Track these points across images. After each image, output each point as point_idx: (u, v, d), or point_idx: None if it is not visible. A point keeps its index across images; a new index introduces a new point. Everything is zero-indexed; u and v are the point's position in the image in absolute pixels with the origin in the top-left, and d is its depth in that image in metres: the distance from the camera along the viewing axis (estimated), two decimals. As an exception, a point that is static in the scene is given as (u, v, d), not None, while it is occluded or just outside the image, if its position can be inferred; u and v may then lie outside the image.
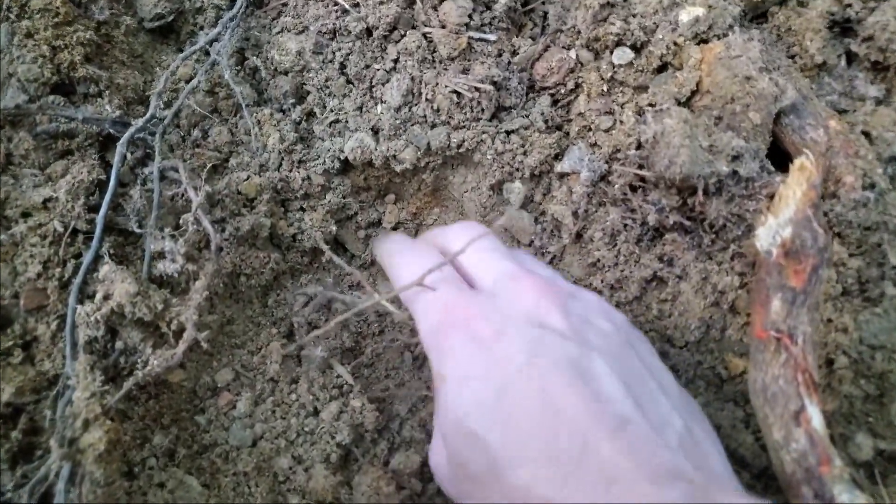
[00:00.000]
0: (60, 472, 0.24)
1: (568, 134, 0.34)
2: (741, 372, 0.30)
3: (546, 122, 0.34)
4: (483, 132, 0.33)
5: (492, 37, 0.33)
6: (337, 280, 0.35)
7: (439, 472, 0.26)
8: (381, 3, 0.33)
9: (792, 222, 0.25)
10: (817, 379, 0.24)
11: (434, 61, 0.33)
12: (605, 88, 0.33)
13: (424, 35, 0.33)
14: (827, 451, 0.23)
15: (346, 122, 0.34)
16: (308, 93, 0.34)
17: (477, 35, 0.33)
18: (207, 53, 0.33)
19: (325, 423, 0.30)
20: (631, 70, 0.33)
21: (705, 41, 0.32)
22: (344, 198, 0.34)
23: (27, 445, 0.26)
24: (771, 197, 0.28)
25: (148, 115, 0.30)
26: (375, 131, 0.34)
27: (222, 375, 0.30)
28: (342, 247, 0.36)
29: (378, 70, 0.34)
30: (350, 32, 0.34)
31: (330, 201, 0.34)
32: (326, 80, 0.34)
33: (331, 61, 0.34)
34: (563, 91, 0.34)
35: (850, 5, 0.34)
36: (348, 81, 0.34)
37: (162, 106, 0.31)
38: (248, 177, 0.32)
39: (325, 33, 0.34)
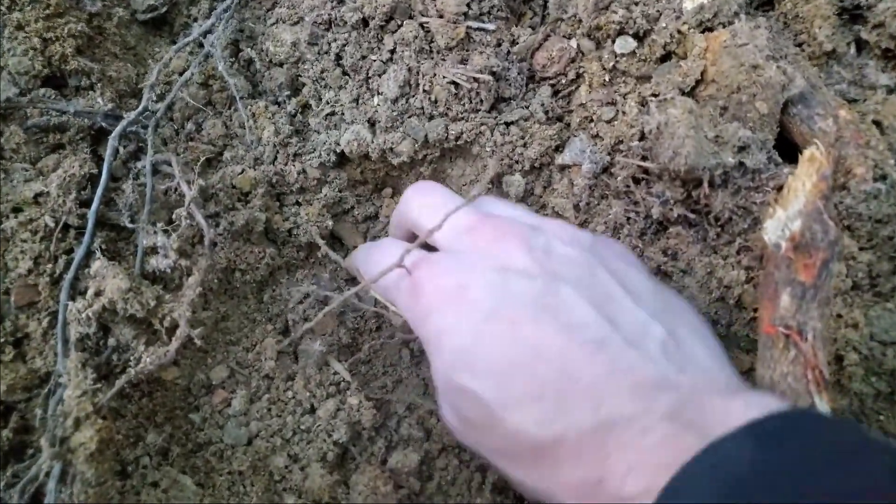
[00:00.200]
0: (51, 471, 0.23)
1: (569, 125, 0.33)
2: (748, 369, 0.29)
3: (546, 113, 0.33)
4: (482, 124, 0.32)
5: (490, 26, 0.33)
6: (333, 275, 0.34)
7: (451, 428, 0.26)
8: (378, -8, 0.32)
9: (802, 215, 0.24)
10: (827, 376, 0.23)
11: (431, 51, 0.33)
12: (606, 78, 0.32)
13: (421, 25, 0.33)
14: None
15: (342, 114, 0.33)
16: (303, 85, 0.34)
17: (475, 24, 0.32)
18: (201, 45, 0.33)
19: (321, 420, 0.29)
20: (633, 59, 0.32)
21: (710, 29, 0.31)
22: (340, 192, 0.34)
23: (18, 444, 0.25)
24: (779, 189, 0.27)
25: (140, 107, 0.29)
26: (372, 123, 0.33)
27: (217, 373, 0.30)
28: (339, 241, 0.35)
29: (374, 61, 0.33)
30: (346, 23, 0.33)
31: (326, 195, 0.33)
32: (322, 72, 0.33)
33: (326, 52, 0.34)
34: (563, 81, 0.33)
35: (860, -9, 0.33)
36: (344, 73, 0.34)
37: (155, 99, 0.31)
38: (243, 170, 0.31)
39: (320, 24, 0.34)
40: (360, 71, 0.33)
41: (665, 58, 0.32)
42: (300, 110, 0.34)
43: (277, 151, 0.33)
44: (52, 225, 0.27)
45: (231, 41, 0.34)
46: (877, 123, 0.30)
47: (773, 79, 0.29)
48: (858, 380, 0.28)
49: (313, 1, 0.34)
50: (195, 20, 0.35)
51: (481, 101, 0.32)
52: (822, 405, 0.23)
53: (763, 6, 0.34)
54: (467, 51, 0.33)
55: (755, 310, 0.29)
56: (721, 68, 0.30)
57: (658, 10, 0.32)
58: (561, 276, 0.24)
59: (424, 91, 0.32)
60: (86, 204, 0.28)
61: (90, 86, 0.30)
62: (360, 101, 0.33)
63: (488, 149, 0.33)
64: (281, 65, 0.34)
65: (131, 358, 0.26)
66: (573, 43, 0.33)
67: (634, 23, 0.31)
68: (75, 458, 0.23)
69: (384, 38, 0.33)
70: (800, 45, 0.33)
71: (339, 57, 0.33)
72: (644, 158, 0.30)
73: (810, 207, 0.24)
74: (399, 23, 0.33)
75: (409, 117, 0.33)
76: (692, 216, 0.30)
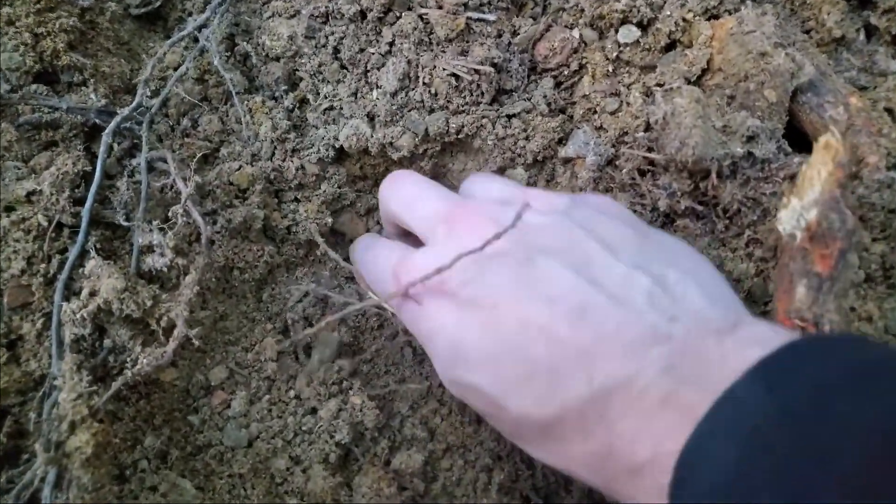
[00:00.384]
0: (46, 477, 0.23)
1: (572, 117, 0.33)
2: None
3: (549, 105, 0.32)
4: (483, 117, 0.32)
5: (491, 17, 0.32)
6: (333, 273, 0.33)
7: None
8: (376, -17, 0.32)
9: (818, 204, 0.23)
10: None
11: (431, 43, 0.32)
12: (610, 69, 0.32)
13: (421, 16, 0.32)
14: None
15: (341, 108, 0.33)
16: (301, 79, 0.33)
17: (475, 15, 0.32)
18: (196, 40, 0.32)
19: (323, 421, 0.29)
20: (637, 49, 0.31)
21: (716, 16, 0.31)
22: (339, 188, 0.33)
23: (13, 449, 0.25)
24: (790, 179, 0.27)
25: (134, 103, 0.29)
26: (371, 118, 0.32)
27: (216, 373, 0.29)
28: (341, 235, 0.34)
29: (373, 54, 0.32)
30: (343, 15, 0.32)
31: (325, 191, 0.33)
32: (319, 66, 0.33)
33: (324, 46, 0.33)
34: (566, 72, 0.33)
35: (869, -24, 0.32)
36: (342, 66, 0.33)
37: (149, 94, 0.30)
38: (240, 167, 0.31)
39: (317, 17, 0.33)
40: (359, 64, 0.33)
41: (670, 47, 0.31)
42: (298, 105, 0.33)
43: (275, 147, 0.32)
44: (45, 224, 0.27)
45: (227, 35, 0.33)
46: (888, 111, 0.30)
47: (782, 66, 0.28)
48: (873, 373, 0.27)
49: (310, -7, 0.33)
50: (190, 14, 0.34)
51: (482, 93, 0.32)
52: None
53: (769, -7, 0.34)
54: (467, 42, 0.32)
55: (766, 303, 0.28)
56: (728, 56, 0.29)
57: (662, -2, 0.31)
58: (536, 248, 0.23)
59: (424, 84, 0.32)
60: (80, 202, 0.27)
61: (83, 81, 0.30)
62: (359, 94, 0.33)
63: (490, 142, 0.32)
64: (278, 59, 0.33)
65: (128, 359, 0.26)
66: (575, 33, 0.32)
67: (638, 11, 0.31)
68: (71, 463, 0.22)
69: (383, 31, 0.32)
70: (808, 31, 0.32)
71: (336, 50, 0.33)
72: (650, 150, 0.29)
73: (827, 196, 0.23)
74: (398, 14, 0.32)
75: (409, 111, 0.32)
76: (700, 208, 0.29)
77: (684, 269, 0.23)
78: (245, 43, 0.33)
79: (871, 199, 0.28)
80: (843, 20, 0.32)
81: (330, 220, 0.33)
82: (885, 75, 0.31)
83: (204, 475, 0.27)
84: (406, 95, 0.32)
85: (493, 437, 0.31)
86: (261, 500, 0.27)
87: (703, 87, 0.30)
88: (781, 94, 0.28)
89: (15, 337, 0.26)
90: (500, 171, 0.33)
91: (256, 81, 0.34)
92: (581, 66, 0.33)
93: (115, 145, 0.29)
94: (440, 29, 0.31)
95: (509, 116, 0.32)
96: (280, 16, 0.33)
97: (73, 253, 0.26)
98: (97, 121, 0.29)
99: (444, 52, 0.32)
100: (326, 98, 0.33)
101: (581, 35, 0.32)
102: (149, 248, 0.27)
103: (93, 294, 0.25)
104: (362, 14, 0.32)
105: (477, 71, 0.31)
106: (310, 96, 0.33)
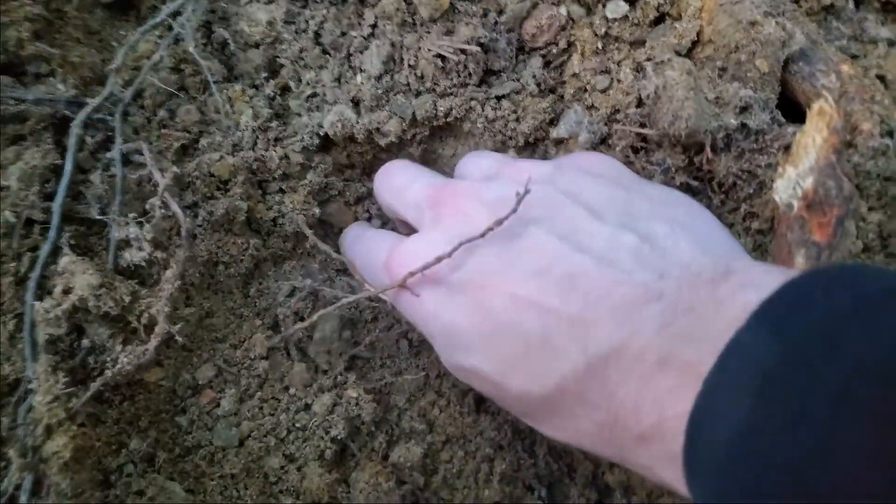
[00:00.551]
0: (22, 484, 0.21)
1: (562, 97, 0.32)
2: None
3: (538, 85, 0.32)
4: (472, 99, 0.31)
5: (476, -5, 0.31)
6: (323, 266, 0.32)
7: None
8: (355, -37, 0.31)
9: (814, 171, 0.23)
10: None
11: (415, 24, 0.31)
12: (599, 46, 0.31)
13: (403, -4, 0.31)
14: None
15: (324, 94, 0.32)
16: (282, 66, 0.32)
17: (460, -6, 0.31)
18: (171, 28, 0.31)
19: (317, 417, 0.28)
20: (626, 24, 0.31)
21: (704, -12, 0.30)
22: (326, 177, 0.32)
23: (-12, 458, 0.24)
24: (785, 149, 0.26)
25: (105, 93, 0.27)
26: (356, 103, 0.31)
27: (203, 372, 0.28)
28: (330, 226, 0.33)
29: (355, 37, 0.31)
30: (323, -2, 0.31)
31: (311, 181, 0.32)
32: (301, 52, 0.32)
33: (304, 31, 0.32)
34: (554, 51, 0.32)
35: (855, -56, 0.32)
36: (324, 51, 0.32)
37: (122, 84, 0.29)
38: (221, 157, 0.30)
39: (296, 1, 0.32)
40: (341, 48, 0.32)
41: (659, 20, 0.31)
42: (279, 93, 0.32)
43: (257, 136, 0.31)
44: (13, 220, 0.25)
45: (203, 22, 0.32)
46: (880, 78, 0.30)
47: (773, 35, 0.28)
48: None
49: (288, -24, 0.32)
50: (163, 2, 0.33)
51: (470, 74, 0.31)
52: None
53: (756, -35, 0.33)
54: (452, 22, 0.31)
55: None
56: (718, 27, 0.28)
57: (649, -29, 0.30)
58: (520, 221, 0.22)
59: (409, 66, 0.31)
60: (50, 197, 0.26)
61: (50, 72, 0.28)
62: (343, 80, 0.32)
63: (479, 125, 0.31)
64: (257, 45, 0.32)
65: (108, 359, 0.24)
66: (563, 10, 0.32)
67: (625, -15, 0.30)
68: (48, 469, 0.21)
69: (364, 13, 0.31)
70: (796, 0, 0.32)
71: (317, 35, 0.32)
72: (643, 125, 0.29)
73: (823, 163, 0.23)
74: (379, -5, 0.31)
75: (395, 94, 0.31)
76: (695, 183, 0.29)
77: (675, 221, 0.22)
78: (222, 30, 0.32)
79: (867, 167, 0.28)
80: (832, -11, 0.31)
81: (317, 210, 0.32)
82: (875, 42, 0.31)
83: (194, 477, 0.26)
84: (391, 79, 0.31)
85: (494, 427, 0.30)
86: (254, 500, 0.26)
87: (694, 59, 0.29)
88: (773, 64, 0.28)
89: (-14, 341, 0.25)
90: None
91: (236, 69, 0.32)
92: (570, 44, 0.32)
93: (89, 138, 0.28)
94: (424, 9, 0.31)
95: (498, 98, 0.31)
96: (258, 1, 0.32)
97: (44, 250, 0.25)
98: (66, 112, 0.28)
99: (428, 32, 0.31)
100: (309, 84, 0.32)
101: (568, 12, 0.32)
102: (126, 243, 0.26)
103: (66, 292, 0.24)
104: (343, -4, 0.31)
105: (463, 51, 0.30)
106: (291, 83, 0.32)
